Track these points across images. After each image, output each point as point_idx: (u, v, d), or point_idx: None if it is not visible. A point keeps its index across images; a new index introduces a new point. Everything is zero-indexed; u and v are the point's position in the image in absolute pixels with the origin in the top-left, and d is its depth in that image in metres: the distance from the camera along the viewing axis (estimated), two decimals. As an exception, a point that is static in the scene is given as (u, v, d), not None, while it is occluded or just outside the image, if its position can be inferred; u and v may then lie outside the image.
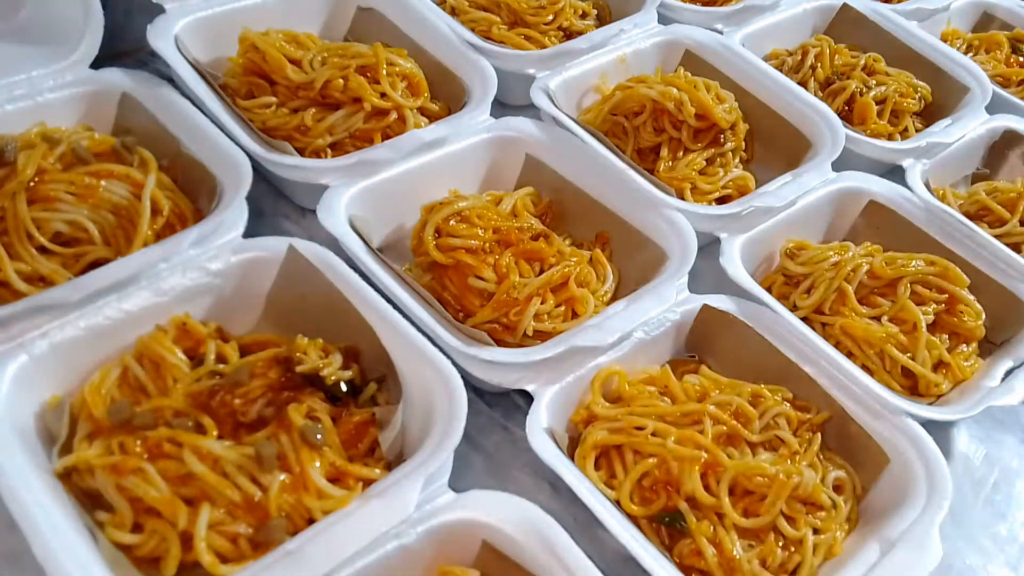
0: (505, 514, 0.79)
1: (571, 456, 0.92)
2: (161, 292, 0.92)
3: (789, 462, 0.91)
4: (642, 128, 1.26)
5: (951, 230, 1.21)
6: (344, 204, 1.03)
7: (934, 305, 1.11)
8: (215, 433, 0.80)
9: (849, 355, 1.07)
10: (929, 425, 0.98)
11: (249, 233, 0.98)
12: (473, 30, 1.33)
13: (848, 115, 1.41)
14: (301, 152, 1.13)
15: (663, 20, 1.45)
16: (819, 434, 0.96)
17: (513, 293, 0.99)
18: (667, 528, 0.88)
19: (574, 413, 0.97)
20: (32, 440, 0.80)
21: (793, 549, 0.88)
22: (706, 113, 1.23)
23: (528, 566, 0.77)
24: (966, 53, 1.67)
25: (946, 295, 1.11)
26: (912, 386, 1.08)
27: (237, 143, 1.05)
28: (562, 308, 1.03)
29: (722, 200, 1.24)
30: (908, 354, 1.07)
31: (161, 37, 1.14)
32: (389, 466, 0.85)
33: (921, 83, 1.47)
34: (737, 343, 1.04)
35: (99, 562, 0.72)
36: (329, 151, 1.15)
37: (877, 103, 1.41)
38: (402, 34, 1.29)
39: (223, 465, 0.77)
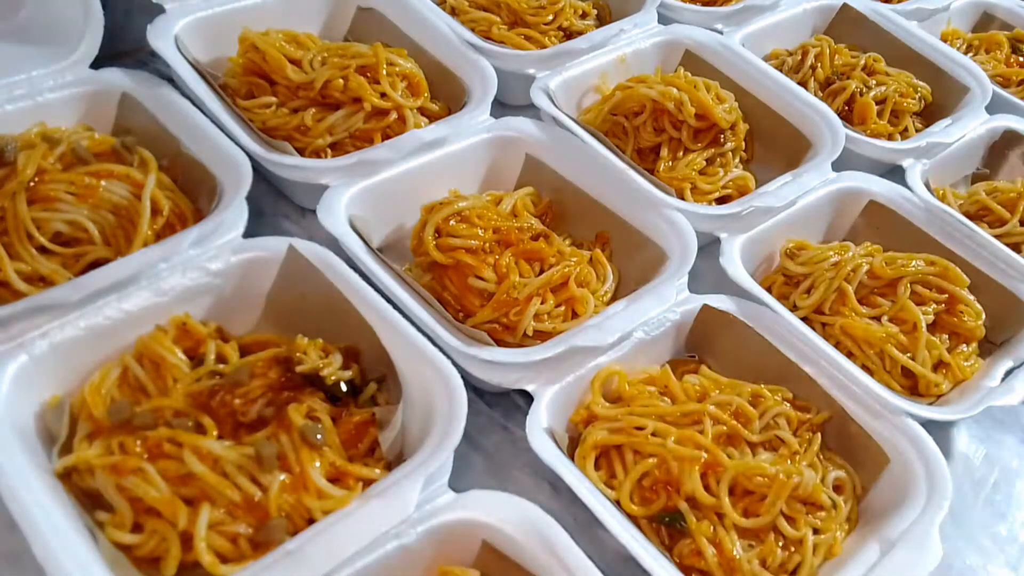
0: (505, 514, 0.79)
1: (571, 456, 0.92)
2: (161, 292, 0.92)
3: (789, 462, 0.91)
4: (642, 128, 1.26)
5: (951, 230, 1.21)
6: (344, 204, 1.03)
7: (934, 305, 1.11)
8: (215, 433, 0.80)
9: (849, 355, 1.07)
10: (929, 425, 0.98)
11: (249, 233, 0.98)
12: (473, 30, 1.33)
13: (848, 115, 1.41)
14: (301, 152, 1.13)
15: (663, 20, 1.45)
16: (819, 434, 0.96)
17: (513, 293, 0.99)
18: (667, 528, 0.88)
19: (574, 413, 0.97)
20: (32, 440, 0.80)
21: (793, 549, 0.88)
22: (706, 113, 1.23)
23: (528, 566, 0.77)
24: (966, 53, 1.67)
25: (946, 295, 1.11)
26: (912, 386, 1.08)
27: (237, 143, 1.05)
28: (562, 308, 1.03)
29: (722, 200, 1.24)
30: (908, 354, 1.07)
31: (161, 37, 1.14)
32: (389, 466, 0.85)
33: (921, 83, 1.47)
34: (737, 343, 1.04)
35: (99, 562, 0.72)
36: (329, 151, 1.15)
37: (877, 103, 1.41)
38: (402, 34, 1.29)
39: (223, 465, 0.77)
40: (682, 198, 1.18)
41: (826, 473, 0.94)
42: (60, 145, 0.96)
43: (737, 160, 1.29)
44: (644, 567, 0.80)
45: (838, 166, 1.26)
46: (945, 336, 1.10)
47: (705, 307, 1.05)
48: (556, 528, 0.78)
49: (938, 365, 1.08)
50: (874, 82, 1.44)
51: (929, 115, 1.47)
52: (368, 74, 1.15)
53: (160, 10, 1.18)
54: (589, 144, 1.18)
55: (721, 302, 1.06)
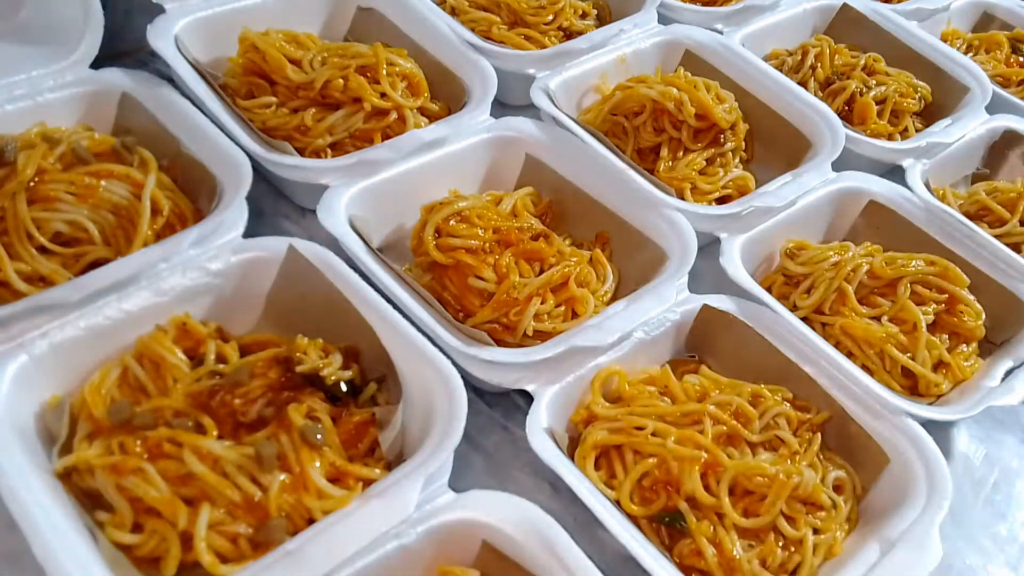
0: (505, 514, 0.79)
1: (571, 456, 0.92)
2: (161, 292, 0.92)
3: (789, 462, 0.91)
4: (642, 128, 1.26)
5: (951, 230, 1.21)
6: (344, 204, 1.03)
7: (934, 305, 1.11)
8: (215, 433, 0.80)
9: (849, 355, 1.07)
10: (929, 425, 0.98)
11: (249, 233, 0.98)
12: (473, 30, 1.33)
13: (848, 115, 1.41)
14: (301, 152, 1.13)
15: (663, 20, 1.45)
16: (819, 434, 0.96)
17: (513, 293, 0.99)
18: (667, 528, 0.88)
19: (574, 413, 0.97)
20: (32, 440, 0.80)
21: (793, 549, 0.88)
22: (706, 113, 1.23)
23: (528, 566, 0.77)
24: (966, 53, 1.67)
25: (946, 295, 1.11)
26: (912, 386, 1.08)
27: (237, 143, 1.05)
28: (562, 308, 1.03)
29: (722, 200, 1.24)
30: (908, 354, 1.07)
31: (161, 37, 1.14)
32: (389, 466, 0.85)
33: (921, 83, 1.47)
34: (737, 343, 1.04)
35: (99, 562, 0.72)
36: (329, 151, 1.15)
37: (877, 103, 1.41)
38: (402, 34, 1.29)
39: (223, 465, 0.77)
40: (682, 198, 1.18)
41: (826, 473, 0.94)
42: (60, 145, 0.96)
43: (737, 160, 1.29)
44: (644, 567, 0.80)
45: (838, 166, 1.26)
46: (945, 336, 1.10)
47: (705, 307, 1.05)
48: (556, 528, 0.78)
49: (938, 365, 1.08)
50: (874, 82, 1.44)
51: (929, 115, 1.47)
52: (368, 74, 1.15)
53: (160, 10, 1.18)
54: (589, 144, 1.18)
55: (721, 302, 1.06)
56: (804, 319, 1.09)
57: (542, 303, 1.01)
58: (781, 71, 1.42)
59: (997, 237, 1.22)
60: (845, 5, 1.59)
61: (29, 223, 0.91)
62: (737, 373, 1.02)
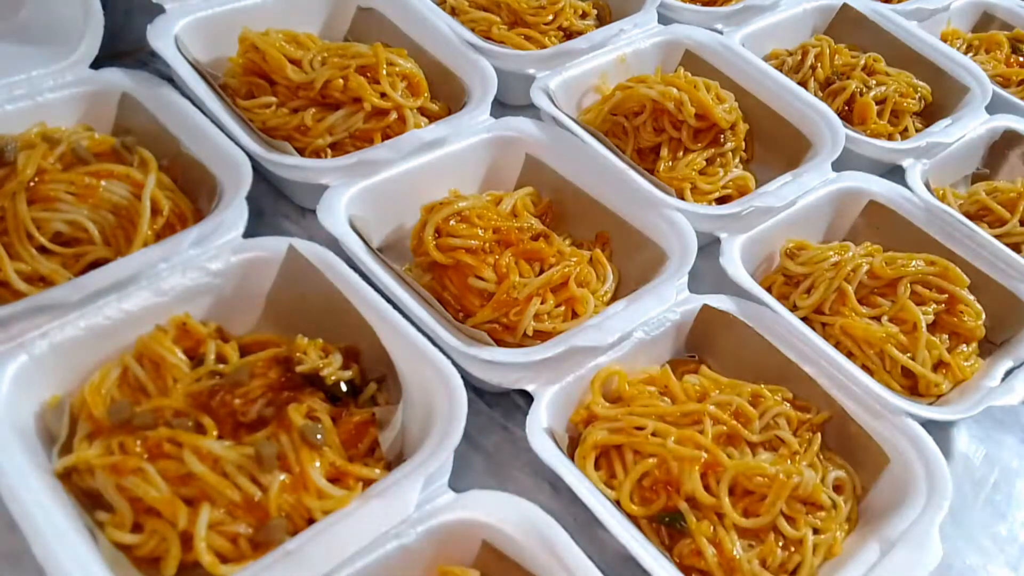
0: (505, 514, 0.79)
1: (571, 456, 0.92)
2: (161, 292, 0.92)
3: (789, 462, 0.91)
4: (642, 128, 1.26)
5: (951, 230, 1.21)
6: (344, 204, 1.03)
7: (934, 305, 1.11)
8: (215, 433, 0.80)
9: (849, 355, 1.07)
10: (929, 425, 0.98)
11: (249, 233, 0.98)
12: (473, 30, 1.33)
13: (848, 115, 1.41)
14: (301, 152, 1.13)
15: (663, 20, 1.45)
16: (819, 434, 0.96)
17: (513, 293, 0.99)
18: (667, 528, 0.88)
19: (574, 413, 0.97)
20: (32, 440, 0.80)
21: (793, 549, 0.88)
22: (706, 113, 1.23)
23: (528, 566, 0.77)
24: (966, 53, 1.67)
25: (946, 295, 1.11)
26: (912, 386, 1.08)
27: (237, 143, 1.05)
28: (562, 308, 1.03)
29: (722, 200, 1.24)
30: (908, 354, 1.07)
31: (161, 37, 1.14)
32: (389, 466, 0.85)
33: (921, 83, 1.47)
34: (737, 343, 1.04)
35: (99, 562, 0.72)
36: (329, 151, 1.15)
37: (877, 103, 1.41)
38: (402, 34, 1.29)
39: (223, 465, 0.77)
40: (682, 198, 1.18)
41: (826, 473, 0.94)
42: (60, 145, 0.96)
43: (737, 160, 1.29)
44: (644, 567, 0.80)
45: (838, 166, 1.26)
46: (945, 336, 1.10)
47: (705, 307, 1.05)
48: (556, 528, 0.78)
49: (938, 365, 1.08)
50: (874, 82, 1.44)
51: (929, 115, 1.47)
52: (368, 74, 1.15)
53: (160, 10, 1.18)
54: (589, 144, 1.18)
55: (721, 302, 1.06)
56: (804, 319, 1.09)
57: (542, 303, 1.01)
58: (781, 71, 1.42)
59: (997, 237, 1.22)
60: (845, 5, 1.59)
61: (29, 223, 0.91)
62: (737, 373, 1.02)
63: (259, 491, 0.77)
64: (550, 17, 1.40)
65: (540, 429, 0.89)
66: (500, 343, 0.98)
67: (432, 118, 1.20)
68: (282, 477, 0.78)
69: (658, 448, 0.90)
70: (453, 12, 1.37)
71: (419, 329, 0.91)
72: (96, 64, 1.11)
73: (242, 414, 0.81)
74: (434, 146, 1.13)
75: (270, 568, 0.72)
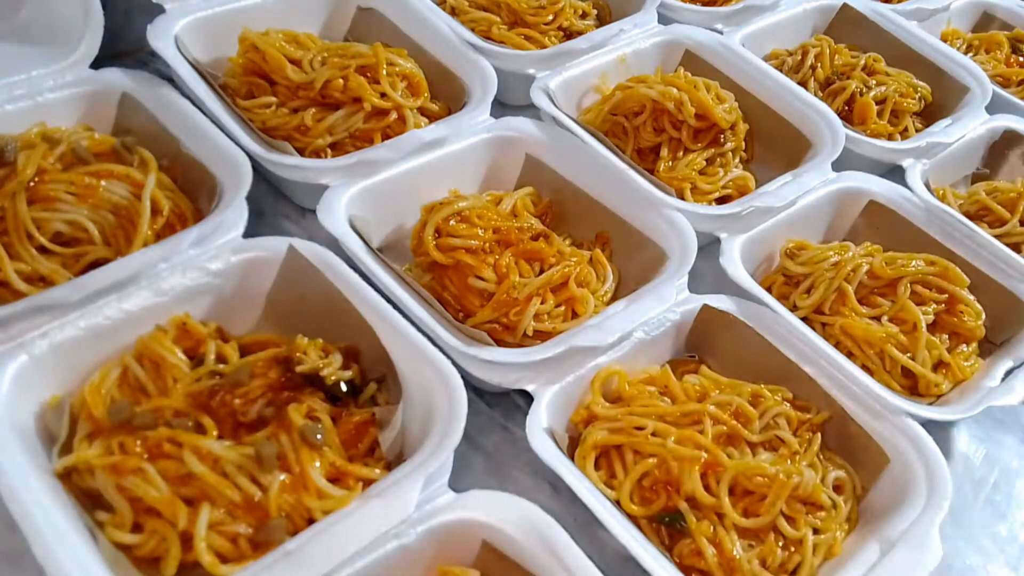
0: (505, 514, 0.79)
1: (571, 456, 0.92)
2: (161, 292, 0.92)
3: (789, 462, 0.91)
4: (642, 128, 1.26)
5: (951, 230, 1.21)
6: (344, 204, 1.03)
7: (934, 305, 1.11)
8: (215, 433, 0.80)
9: (849, 355, 1.07)
10: (929, 425, 0.98)
11: (249, 233, 0.98)
12: (473, 30, 1.33)
13: (848, 115, 1.41)
14: (301, 152, 1.13)
15: (663, 20, 1.45)
16: (819, 434, 0.96)
17: (513, 293, 0.99)
18: (667, 528, 0.88)
19: (574, 413, 0.97)
20: (32, 440, 0.80)
21: (793, 549, 0.88)
22: (706, 113, 1.23)
23: (528, 566, 0.77)
24: (966, 53, 1.67)
25: (946, 295, 1.11)
26: (912, 386, 1.08)
27: (237, 143, 1.05)
28: (562, 308, 1.03)
29: (722, 200, 1.24)
30: (908, 354, 1.07)
31: (161, 37, 1.14)
32: (389, 466, 0.85)
33: (921, 83, 1.47)
34: (737, 343, 1.04)
35: (99, 562, 0.72)
36: (329, 151, 1.15)
37: (877, 103, 1.41)
38: (402, 34, 1.29)
39: (223, 465, 0.77)
40: (682, 198, 1.18)
41: (826, 473, 0.94)
42: (60, 145, 0.96)
43: (737, 160, 1.29)
44: (644, 567, 0.80)
45: (838, 166, 1.26)
46: (945, 336, 1.10)
47: (705, 307, 1.05)
48: (556, 528, 0.78)
49: (938, 365, 1.08)
50: (874, 82, 1.44)
51: (929, 115, 1.47)
52: (368, 74, 1.15)
53: (160, 10, 1.18)
54: (589, 144, 1.18)
55: (721, 302, 1.06)
56: (804, 319, 1.09)
57: (542, 303, 1.01)
58: (781, 71, 1.42)
59: (997, 237, 1.22)
60: (845, 5, 1.59)
61: (29, 223, 0.91)
62: (737, 373, 1.02)
63: (259, 491, 0.77)
64: (550, 17, 1.40)
65: (540, 429, 0.89)
66: (500, 343, 0.98)
67: (432, 118, 1.20)
68: (282, 477, 0.78)
69: (658, 448, 0.90)
70: (453, 12, 1.37)
71: (419, 329, 0.91)
72: (96, 64, 1.11)
73: (242, 414, 0.81)
74: (434, 146, 1.13)
75: (270, 568, 0.72)
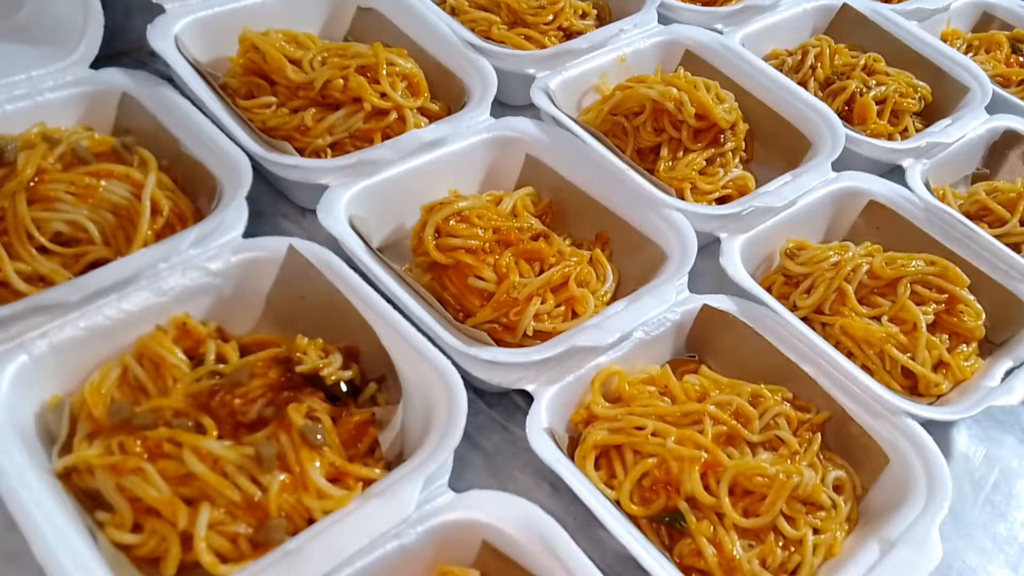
0: (505, 514, 0.79)
1: (571, 456, 0.92)
2: (161, 292, 0.92)
3: (789, 462, 0.91)
4: (642, 128, 1.26)
5: (951, 230, 1.21)
6: (344, 204, 1.03)
7: (934, 305, 1.11)
8: (215, 433, 0.80)
9: (849, 355, 1.07)
10: (929, 425, 0.98)
11: (249, 233, 0.98)
12: (473, 30, 1.33)
13: (848, 115, 1.41)
14: (301, 152, 1.13)
15: (663, 20, 1.45)
16: (819, 434, 0.96)
17: (513, 293, 0.99)
18: (667, 528, 0.89)
19: (574, 413, 0.97)
20: (32, 440, 0.80)
21: (793, 549, 0.88)
22: (706, 113, 1.23)
23: (528, 566, 0.77)
24: (966, 53, 1.67)
25: (946, 295, 1.11)
26: (912, 386, 1.08)
27: (237, 143, 1.05)
28: (562, 308, 1.03)
29: (722, 200, 1.24)
30: (908, 354, 1.07)
31: (161, 37, 1.14)
32: (389, 466, 0.85)
33: (921, 83, 1.47)
34: (737, 343, 1.04)
35: (99, 562, 0.71)
36: (329, 151, 1.15)
37: (877, 103, 1.41)
38: (402, 34, 1.29)
39: (223, 465, 0.77)
40: (682, 198, 1.18)
41: (826, 473, 0.94)
42: (60, 145, 0.96)
43: (737, 160, 1.29)
44: (644, 567, 0.80)
45: (838, 166, 1.26)
46: (945, 336, 1.10)
47: (705, 307, 1.05)
48: (556, 528, 0.78)
49: (938, 365, 1.08)
50: (874, 82, 1.44)
51: (929, 115, 1.47)
52: (368, 74, 1.15)
53: (160, 10, 1.18)
54: (589, 144, 1.18)
55: (721, 302, 1.06)
56: (804, 319, 1.09)
57: (542, 303, 1.01)
58: (781, 71, 1.42)
59: (997, 237, 1.22)
60: (845, 5, 1.59)
61: (29, 223, 0.91)
62: (737, 373, 1.02)
63: (259, 491, 0.77)
64: (550, 17, 1.40)
65: (540, 429, 0.89)
66: (500, 343, 0.98)
67: (432, 118, 1.20)
68: (282, 477, 0.78)
69: (658, 448, 0.90)
70: (453, 12, 1.37)
71: (419, 329, 0.91)
72: (96, 64, 1.12)
73: (242, 414, 0.81)
74: (434, 146, 1.13)
75: (270, 568, 0.72)
